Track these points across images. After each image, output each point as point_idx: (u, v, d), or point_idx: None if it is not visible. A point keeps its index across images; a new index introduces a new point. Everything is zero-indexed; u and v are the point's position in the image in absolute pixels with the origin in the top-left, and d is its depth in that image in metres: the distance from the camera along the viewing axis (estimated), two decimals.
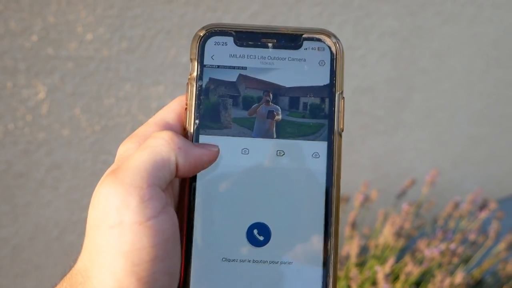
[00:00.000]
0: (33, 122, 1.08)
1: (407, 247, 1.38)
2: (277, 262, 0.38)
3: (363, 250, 1.36)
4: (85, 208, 1.17)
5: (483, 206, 1.45)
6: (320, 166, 0.39)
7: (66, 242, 1.19)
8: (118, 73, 1.12)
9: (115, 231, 0.32)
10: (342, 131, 0.39)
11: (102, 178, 0.34)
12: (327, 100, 0.39)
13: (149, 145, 0.34)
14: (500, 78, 1.74)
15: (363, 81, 1.48)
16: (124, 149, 0.36)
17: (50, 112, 1.08)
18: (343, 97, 0.39)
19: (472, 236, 1.37)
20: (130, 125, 1.15)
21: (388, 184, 1.60)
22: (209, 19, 1.15)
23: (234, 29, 0.40)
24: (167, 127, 0.38)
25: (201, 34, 0.40)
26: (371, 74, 1.49)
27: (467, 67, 1.66)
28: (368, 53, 1.45)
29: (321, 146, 0.39)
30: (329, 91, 0.39)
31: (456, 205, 1.45)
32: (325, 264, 0.38)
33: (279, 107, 0.39)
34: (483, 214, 1.43)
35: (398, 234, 1.27)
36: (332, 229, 0.38)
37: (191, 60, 0.40)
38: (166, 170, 0.34)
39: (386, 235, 1.31)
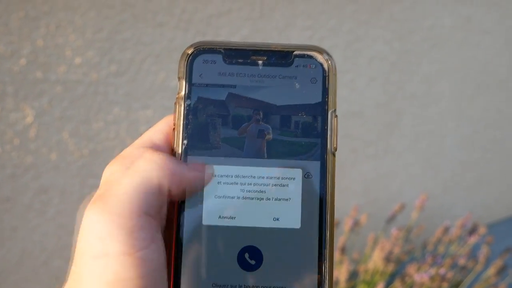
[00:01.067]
0: (21, 146, 1.07)
1: (396, 272, 1.37)
2: (269, 287, 0.36)
3: (353, 275, 1.35)
4: (72, 232, 1.16)
5: (472, 231, 1.45)
6: (313, 186, 0.37)
7: (53, 267, 1.17)
8: (107, 97, 1.12)
9: (100, 261, 0.30)
10: (335, 150, 0.38)
11: (90, 204, 0.32)
12: (319, 118, 0.38)
13: (140, 169, 0.33)
14: (489, 103, 1.75)
15: (352, 105, 1.49)
16: (110, 172, 0.35)
17: (38, 136, 1.08)
18: (336, 115, 0.38)
19: (462, 261, 1.37)
20: (119, 149, 1.15)
21: (378, 208, 1.59)
22: None
23: (223, 47, 0.39)
24: (154, 148, 0.36)
25: (189, 52, 0.39)
26: (361, 99, 1.49)
27: (456, 92, 1.67)
28: (357, 77, 1.46)
29: (313, 166, 0.38)
30: (322, 109, 0.38)
31: (446, 230, 1.45)
32: None
33: (269, 126, 0.38)
34: (473, 239, 1.43)
35: (387, 259, 1.26)
36: (327, 251, 0.37)
37: (179, 78, 0.38)
38: (157, 198, 0.33)
39: (376, 260, 1.30)
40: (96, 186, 1.12)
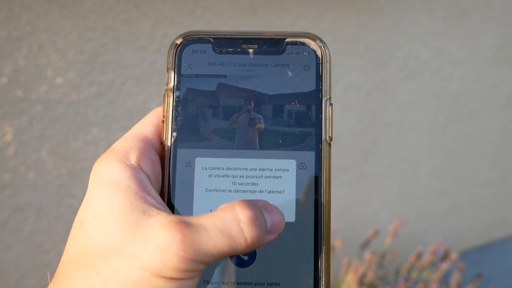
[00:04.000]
0: None
1: None
2: (263, 284, 0.35)
3: None
4: (47, 252, 1.16)
5: (444, 257, 1.47)
6: (308, 177, 0.36)
7: (26, 287, 1.17)
8: (87, 117, 1.14)
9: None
10: (331, 139, 0.37)
11: (171, 224, 0.31)
12: (313, 107, 0.37)
13: (230, 233, 0.31)
14: (462, 132, 1.79)
15: None
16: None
17: (17, 154, 1.08)
18: (331, 103, 0.37)
19: (434, 287, 1.39)
20: None
21: (353, 234, 1.61)
22: None
23: (212, 36, 0.38)
24: (145, 141, 0.36)
25: (178, 42, 0.38)
26: (336, 126, 1.51)
27: (430, 121, 1.71)
28: (333, 104, 1.49)
29: (308, 156, 0.36)
30: (315, 97, 0.37)
31: (419, 256, 1.47)
32: (316, 283, 0.35)
33: (261, 116, 0.36)
34: (445, 265, 1.45)
35: (361, 282, 1.28)
36: (323, 245, 0.35)
37: (168, 70, 0.37)
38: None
39: (350, 283, 1.32)
40: (72, 206, 1.12)
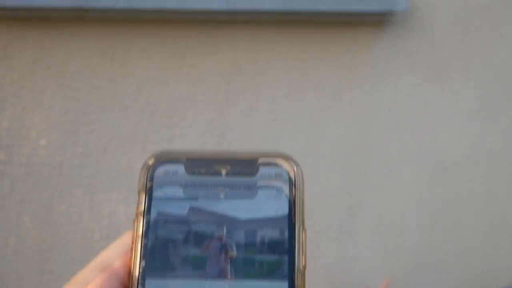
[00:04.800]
0: None
1: None
2: None
3: None
4: None
5: None
6: None
7: None
8: (70, 180, 1.10)
9: None
10: (305, 268, 0.36)
11: None
12: (286, 232, 0.36)
13: None
14: (449, 186, 1.79)
15: (314, 188, 1.50)
16: None
17: None
18: (305, 229, 0.37)
19: None
20: (80, 233, 1.12)
21: None
22: (164, 125, 1.16)
23: (185, 157, 0.37)
24: (108, 271, 0.34)
25: (150, 163, 0.37)
26: (323, 181, 1.51)
27: (416, 175, 1.70)
28: (319, 160, 1.48)
29: (281, 287, 0.35)
30: (289, 223, 0.36)
31: None
32: None
33: (233, 243, 0.35)
34: None
35: None
36: None
37: (139, 191, 0.36)
38: None
39: None
40: (54, 272, 1.08)
